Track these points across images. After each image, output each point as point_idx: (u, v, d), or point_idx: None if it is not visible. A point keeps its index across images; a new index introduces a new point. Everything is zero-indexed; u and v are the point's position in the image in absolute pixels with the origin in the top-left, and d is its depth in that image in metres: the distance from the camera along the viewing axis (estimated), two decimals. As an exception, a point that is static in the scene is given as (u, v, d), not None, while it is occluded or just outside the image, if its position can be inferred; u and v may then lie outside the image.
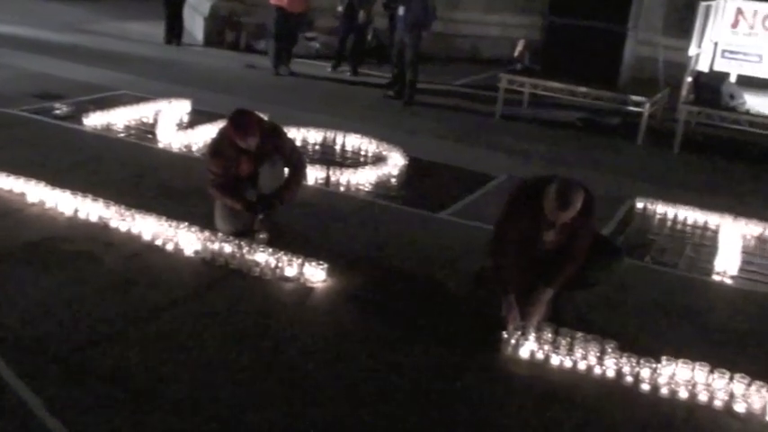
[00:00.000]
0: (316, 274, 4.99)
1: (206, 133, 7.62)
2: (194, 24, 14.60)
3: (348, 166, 7.32)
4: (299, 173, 5.67)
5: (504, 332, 4.42)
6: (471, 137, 9.43)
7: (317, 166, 7.08)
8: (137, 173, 6.72)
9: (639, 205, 7.18)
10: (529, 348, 4.34)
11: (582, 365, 4.28)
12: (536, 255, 4.62)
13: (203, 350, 4.12)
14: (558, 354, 4.31)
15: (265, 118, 5.87)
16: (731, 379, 4.16)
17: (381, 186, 7.08)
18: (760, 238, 6.69)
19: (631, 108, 10.20)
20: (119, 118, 8.22)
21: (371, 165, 7.50)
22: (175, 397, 3.70)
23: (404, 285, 5.14)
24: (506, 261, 4.56)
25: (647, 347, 4.43)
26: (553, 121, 10.75)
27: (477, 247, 5.36)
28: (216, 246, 5.20)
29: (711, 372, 4.20)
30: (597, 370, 4.26)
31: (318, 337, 4.37)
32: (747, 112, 9.54)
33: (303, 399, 3.79)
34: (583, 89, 10.26)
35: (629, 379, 4.21)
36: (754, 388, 4.10)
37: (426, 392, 3.96)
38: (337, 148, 8.14)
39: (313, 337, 4.37)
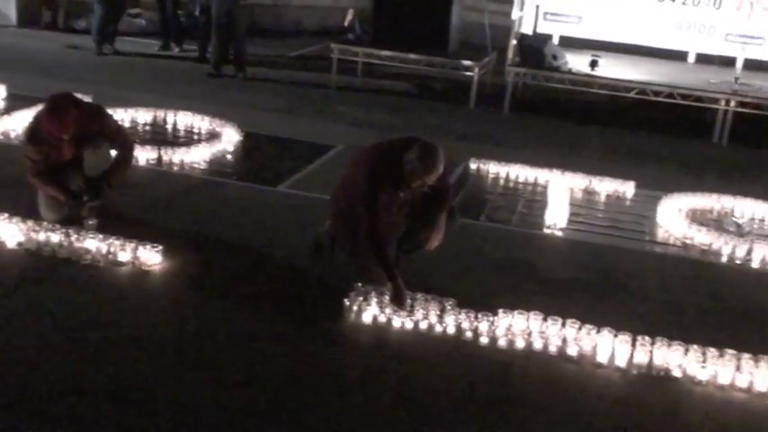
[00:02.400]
0: (151, 258, 4.83)
1: (23, 119, 7.15)
2: (6, 3, 13.64)
3: (180, 145, 7.11)
4: (126, 154, 5.44)
5: (345, 299, 4.44)
6: (307, 108, 9.39)
7: (148, 146, 6.82)
8: (-52, 165, 6.26)
9: (473, 166, 7.38)
10: (371, 313, 4.38)
11: (423, 325, 4.37)
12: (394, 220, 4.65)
13: (31, 346, 3.89)
14: (399, 316, 4.38)
15: (88, 99, 5.60)
16: (563, 325, 4.36)
17: (216, 163, 6.91)
18: (586, 191, 7.04)
19: (462, 72, 10.46)
20: (-76, 108, 7.62)
21: (205, 142, 7.31)
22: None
23: (243, 261, 5.07)
24: (384, 241, 4.50)
25: (484, 302, 4.55)
26: (387, 89, 10.88)
27: (317, 217, 5.34)
28: (41, 236, 4.92)
29: (545, 320, 4.38)
30: (438, 328, 4.36)
31: (157, 320, 4.24)
32: (569, 72, 10.00)
33: (142, 384, 3.67)
34: (414, 56, 10.41)
35: (469, 334, 4.33)
36: (584, 331, 4.31)
37: (270, 364, 3.92)
38: (169, 127, 7.87)
39: (151, 320, 4.23)
